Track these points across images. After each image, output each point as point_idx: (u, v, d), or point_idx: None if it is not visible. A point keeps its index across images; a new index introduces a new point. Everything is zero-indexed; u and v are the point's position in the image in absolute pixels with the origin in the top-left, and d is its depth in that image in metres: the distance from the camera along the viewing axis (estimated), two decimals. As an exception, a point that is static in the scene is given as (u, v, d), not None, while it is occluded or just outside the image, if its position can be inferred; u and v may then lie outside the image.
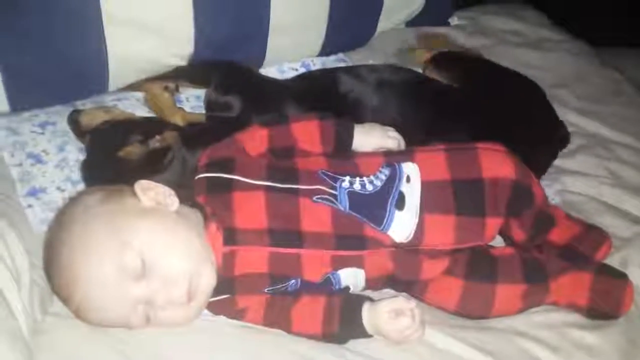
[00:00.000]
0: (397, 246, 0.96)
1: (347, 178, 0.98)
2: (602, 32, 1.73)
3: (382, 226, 0.96)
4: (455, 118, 1.19)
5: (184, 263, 0.89)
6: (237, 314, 0.94)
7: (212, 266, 0.92)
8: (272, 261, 0.93)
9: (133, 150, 1.07)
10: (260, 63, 1.38)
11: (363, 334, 0.92)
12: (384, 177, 0.99)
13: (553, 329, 0.97)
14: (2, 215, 0.95)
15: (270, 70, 1.39)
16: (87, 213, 0.90)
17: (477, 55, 1.47)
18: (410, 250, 0.96)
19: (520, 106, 1.26)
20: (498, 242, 1.05)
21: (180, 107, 1.25)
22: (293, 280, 0.94)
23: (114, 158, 1.06)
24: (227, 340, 0.92)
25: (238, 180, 0.96)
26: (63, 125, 1.17)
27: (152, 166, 1.05)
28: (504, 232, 1.03)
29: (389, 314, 0.91)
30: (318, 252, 0.94)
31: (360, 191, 0.97)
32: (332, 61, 1.45)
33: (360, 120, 1.10)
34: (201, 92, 1.29)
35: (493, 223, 0.98)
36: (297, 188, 0.96)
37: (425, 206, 0.97)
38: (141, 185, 0.94)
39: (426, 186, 0.99)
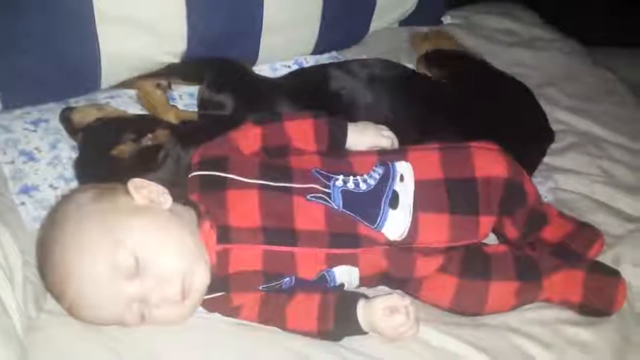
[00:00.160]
0: (391, 244, 0.96)
1: (341, 177, 0.98)
2: (594, 31, 1.74)
3: (376, 224, 0.96)
4: (448, 116, 1.19)
5: (177, 261, 0.89)
6: (232, 312, 0.94)
7: (205, 264, 0.92)
8: (266, 259, 0.93)
9: (125, 148, 1.06)
10: (253, 61, 1.37)
11: (358, 331, 0.93)
12: (377, 176, 0.99)
13: (546, 326, 0.98)
14: (-5, 213, 0.95)
15: (263, 68, 1.39)
16: (80, 211, 0.90)
17: (472, 55, 1.47)
18: (404, 249, 0.96)
19: (511, 105, 1.26)
20: (491, 239, 1.06)
21: (173, 105, 1.25)
22: (287, 278, 0.94)
23: (107, 156, 1.06)
24: (222, 338, 0.92)
25: (232, 179, 0.96)
26: (55, 122, 1.17)
27: (145, 164, 1.05)
28: (497, 230, 1.03)
29: (383, 311, 0.91)
30: (312, 250, 0.94)
31: (353, 190, 0.98)
32: (325, 59, 1.45)
33: (353, 118, 1.10)
34: (194, 90, 1.28)
35: (486, 221, 0.99)
36: (291, 186, 0.96)
37: (419, 205, 0.97)
38: (134, 183, 0.94)
39: (420, 185, 0.99)
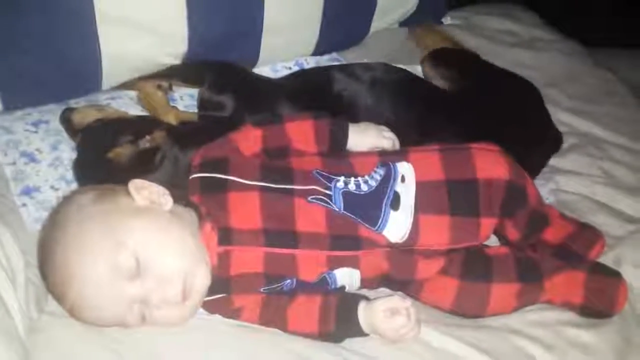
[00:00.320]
0: (392, 246, 0.96)
1: (342, 178, 0.98)
2: (595, 32, 1.74)
3: (377, 226, 0.96)
4: (449, 118, 1.19)
5: (178, 262, 0.89)
6: (233, 313, 0.94)
7: (206, 266, 0.92)
8: (267, 261, 0.93)
9: (122, 151, 1.06)
10: (254, 62, 1.37)
11: (359, 332, 0.93)
12: (378, 177, 0.99)
13: (548, 328, 0.98)
14: (-3, 214, 0.95)
15: (264, 69, 1.39)
16: (81, 212, 0.90)
17: (474, 54, 1.47)
18: (406, 251, 0.96)
19: (515, 106, 1.26)
20: (492, 241, 1.05)
21: (173, 106, 1.25)
22: (288, 280, 0.94)
23: (105, 158, 1.06)
24: (223, 339, 0.92)
25: (233, 181, 0.96)
26: (56, 123, 1.17)
27: (142, 166, 1.04)
28: (498, 232, 1.03)
29: (384, 312, 0.91)
30: (313, 253, 0.94)
31: (354, 191, 0.97)
32: (325, 60, 1.45)
33: (354, 120, 1.10)
34: (194, 91, 1.28)
35: (487, 223, 0.99)
36: (292, 188, 0.96)
37: (420, 206, 0.97)
38: (135, 184, 0.94)
39: (421, 186, 0.99)
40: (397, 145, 1.08)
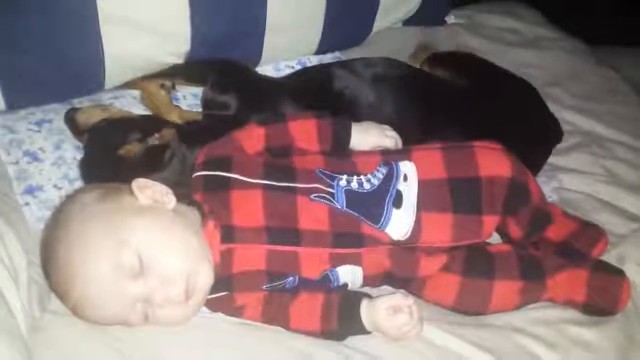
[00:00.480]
0: (394, 244, 0.96)
1: (345, 177, 0.98)
2: (597, 30, 1.73)
3: (380, 224, 0.96)
4: (452, 115, 1.19)
5: (181, 261, 0.89)
6: (236, 311, 0.94)
7: (209, 264, 0.92)
8: (270, 259, 0.93)
9: (132, 148, 1.06)
10: (256, 61, 1.37)
11: (362, 330, 0.93)
12: (381, 176, 0.99)
13: (551, 326, 0.98)
14: (1, 213, 0.95)
15: (267, 68, 1.39)
16: (84, 211, 0.90)
17: (473, 55, 1.47)
18: (408, 248, 0.96)
19: (516, 104, 1.26)
20: (495, 239, 1.05)
21: (176, 105, 1.25)
22: (291, 278, 0.94)
23: (113, 156, 1.06)
24: (225, 338, 0.92)
25: (236, 179, 0.96)
26: (59, 123, 1.17)
27: (151, 164, 1.05)
28: (500, 230, 1.03)
29: (387, 310, 0.91)
30: (316, 250, 0.94)
31: (357, 190, 0.97)
32: (328, 59, 1.45)
33: (356, 117, 1.10)
34: (198, 90, 1.28)
35: (490, 221, 0.99)
36: (295, 186, 0.96)
37: (423, 204, 0.97)
38: (138, 183, 0.94)
39: (423, 184, 0.99)
40: (400, 144, 1.08)
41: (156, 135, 1.08)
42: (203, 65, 1.28)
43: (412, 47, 1.52)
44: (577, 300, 0.99)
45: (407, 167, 1.00)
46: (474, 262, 0.97)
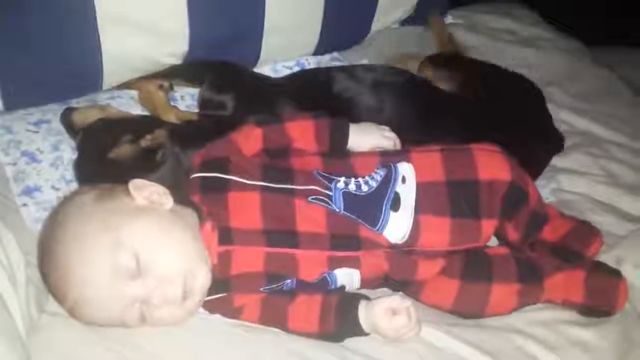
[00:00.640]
0: (392, 247, 0.96)
1: (342, 178, 0.98)
2: (594, 31, 1.74)
3: (377, 227, 0.96)
4: (450, 119, 1.19)
5: (178, 262, 0.89)
6: (234, 313, 0.94)
7: (207, 266, 0.92)
8: (267, 261, 0.93)
9: (123, 150, 1.06)
10: (254, 62, 1.37)
11: (360, 332, 0.92)
12: (379, 178, 0.99)
13: (549, 327, 0.98)
14: (-3, 214, 0.95)
15: (265, 69, 1.39)
16: (81, 212, 0.90)
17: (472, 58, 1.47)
18: (406, 251, 0.96)
19: (517, 107, 1.26)
20: (492, 241, 1.05)
21: (174, 106, 1.25)
22: (289, 280, 0.94)
23: (105, 158, 1.06)
24: (225, 340, 0.91)
25: (233, 181, 0.96)
26: (57, 123, 1.17)
27: (143, 166, 1.04)
28: (498, 233, 1.03)
29: (385, 312, 0.91)
30: (313, 253, 0.94)
31: (355, 192, 0.97)
32: (326, 60, 1.45)
33: (355, 120, 1.10)
34: (196, 91, 1.28)
35: (488, 224, 0.99)
36: (292, 188, 0.96)
37: (421, 207, 0.97)
38: (135, 184, 0.94)
39: (421, 187, 0.99)
40: (398, 145, 1.08)
41: (148, 136, 1.07)
42: (200, 66, 1.28)
43: (410, 48, 1.52)
44: (574, 301, 0.99)
45: (405, 169, 1.00)
46: (472, 265, 0.96)
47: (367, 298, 0.94)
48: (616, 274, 1.01)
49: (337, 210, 0.95)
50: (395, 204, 0.97)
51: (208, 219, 0.94)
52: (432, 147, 1.03)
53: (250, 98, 1.21)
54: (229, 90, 1.20)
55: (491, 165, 1.00)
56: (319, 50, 1.45)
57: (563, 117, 1.39)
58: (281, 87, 1.26)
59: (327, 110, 1.08)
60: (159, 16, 1.22)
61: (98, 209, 0.90)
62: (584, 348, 0.96)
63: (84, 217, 0.89)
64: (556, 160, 1.29)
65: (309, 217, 0.95)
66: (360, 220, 0.96)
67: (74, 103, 1.22)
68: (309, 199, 0.95)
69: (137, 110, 1.24)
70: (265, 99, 1.21)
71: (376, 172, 1.00)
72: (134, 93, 1.27)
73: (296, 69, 1.41)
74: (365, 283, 0.98)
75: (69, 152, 1.14)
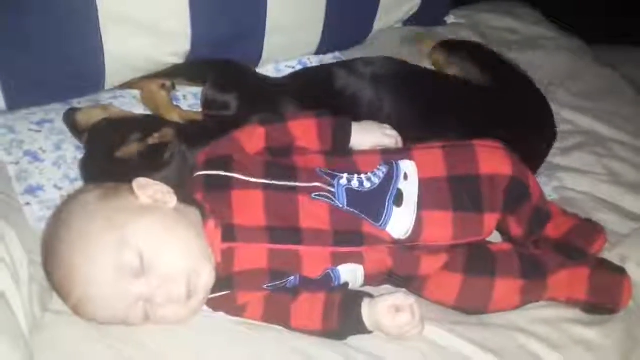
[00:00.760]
0: (395, 242, 0.96)
1: (345, 175, 0.99)
2: (596, 30, 1.73)
3: (380, 222, 0.96)
4: (451, 115, 1.19)
5: (182, 261, 0.89)
6: (237, 311, 0.94)
7: (210, 264, 0.92)
8: (271, 258, 0.93)
9: (131, 149, 1.06)
10: (256, 61, 1.38)
11: (363, 330, 0.92)
12: (381, 175, 0.99)
13: (553, 325, 0.98)
14: (1, 213, 0.95)
15: (268, 68, 1.39)
16: (85, 210, 0.90)
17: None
18: (409, 247, 0.96)
19: (518, 101, 1.26)
20: (495, 237, 1.05)
21: (176, 105, 1.25)
22: (292, 277, 0.94)
23: (113, 157, 1.06)
24: (228, 338, 0.91)
25: (236, 179, 0.96)
26: (60, 123, 1.17)
27: (151, 164, 1.05)
28: (501, 228, 1.03)
29: (388, 309, 0.91)
30: (317, 249, 0.94)
31: (358, 188, 0.98)
32: (329, 59, 1.45)
33: (357, 117, 1.10)
34: (198, 90, 1.29)
35: (491, 219, 0.99)
36: (295, 185, 0.97)
37: (423, 203, 0.97)
38: (139, 182, 0.94)
39: (424, 183, 0.99)
40: (400, 143, 1.08)
41: (155, 135, 1.07)
42: (203, 65, 1.28)
43: (412, 47, 1.52)
44: (578, 299, 0.99)
45: (407, 166, 1.01)
46: (475, 260, 0.97)
47: (370, 296, 0.94)
48: (620, 271, 1.01)
49: (341, 206, 0.96)
50: (398, 200, 0.97)
51: (211, 216, 0.94)
52: (434, 144, 1.04)
53: (253, 97, 1.21)
54: (232, 89, 1.20)
55: (492, 160, 1.00)
56: (321, 50, 1.45)
57: (566, 116, 1.39)
58: (283, 86, 1.26)
59: (329, 108, 1.08)
60: (161, 16, 1.22)
61: (102, 207, 0.90)
62: (588, 346, 0.96)
63: (88, 216, 0.89)
64: (558, 159, 1.29)
65: (312, 214, 0.95)
66: (363, 216, 0.96)
67: (76, 103, 1.22)
68: (312, 195, 0.96)
69: (139, 109, 1.24)
70: (268, 98, 1.22)
71: (378, 169, 1.00)
72: (136, 93, 1.28)
73: (299, 68, 1.41)
74: (368, 279, 0.98)
75: (71, 151, 1.14)
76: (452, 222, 0.97)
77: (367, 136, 1.07)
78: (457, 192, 0.98)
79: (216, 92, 1.21)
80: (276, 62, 1.41)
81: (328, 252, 0.94)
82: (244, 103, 1.19)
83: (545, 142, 1.27)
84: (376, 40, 1.53)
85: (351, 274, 0.96)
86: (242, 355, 0.90)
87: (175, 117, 1.21)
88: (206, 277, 0.91)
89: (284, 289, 0.94)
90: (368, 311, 0.92)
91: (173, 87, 1.28)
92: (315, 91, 1.24)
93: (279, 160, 1.01)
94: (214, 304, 0.94)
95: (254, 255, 0.93)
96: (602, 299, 0.99)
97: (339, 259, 0.95)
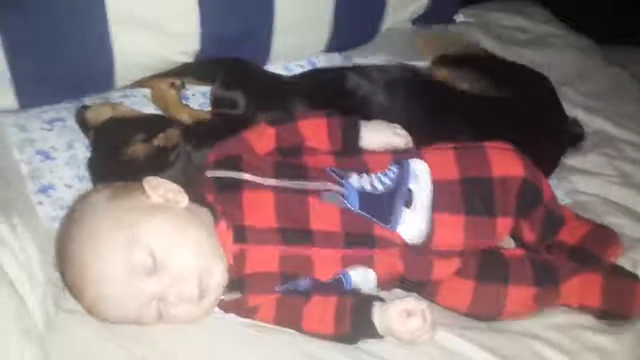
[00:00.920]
0: (407, 245, 0.96)
1: (355, 175, 0.98)
2: (605, 30, 1.73)
3: (391, 224, 0.96)
4: (461, 118, 1.18)
5: (194, 260, 0.90)
6: (248, 313, 0.94)
7: (222, 264, 0.92)
8: (282, 260, 0.93)
9: (136, 149, 1.06)
10: (265, 60, 1.37)
11: (374, 334, 0.92)
12: (392, 175, 0.99)
13: (565, 331, 0.97)
14: (14, 212, 0.95)
15: (276, 67, 1.39)
16: (97, 210, 0.90)
17: (484, 52, 1.46)
18: (421, 251, 0.96)
19: (528, 104, 1.25)
20: (508, 244, 1.05)
21: (186, 104, 1.25)
22: (304, 280, 0.94)
23: (118, 156, 1.06)
24: (239, 340, 0.92)
25: (247, 180, 0.96)
26: (72, 121, 1.17)
27: (155, 165, 1.04)
28: (514, 234, 1.03)
29: (400, 314, 0.91)
30: (328, 251, 0.94)
31: (369, 189, 0.97)
32: (337, 58, 1.44)
33: (367, 119, 1.10)
34: (207, 89, 1.28)
35: (503, 223, 0.99)
36: (306, 186, 0.96)
37: (435, 205, 0.97)
38: (149, 182, 0.94)
39: (435, 185, 0.99)
40: (411, 143, 1.08)
41: (160, 136, 1.07)
42: (212, 64, 1.28)
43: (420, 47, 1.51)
44: (591, 305, 0.99)
45: (418, 167, 1.00)
46: (488, 267, 0.96)
47: (381, 300, 0.94)
48: (633, 277, 1.01)
49: (352, 208, 0.95)
50: (409, 202, 0.97)
51: (222, 217, 0.94)
52: (445, 145, 1.03)
53: (262, 96, 1.20)
54: (240, 88, 1.20)
55: (504, 162, 1.00)
56: (329, 48, 1.44)
57: (576, 116, 1.38)
58: (293, 85, 1.26)
59: (338, 108, 1.08)
60: (171, 15, 1.22)
61: (113, 206, 0.91)
62: (601, 353, 0.95)
63: (99, 215, 0.89)
64: (570, 161, 1.28)
65: (323, 216, 0.95)
66: (374, 218, 0.96)
67: (87, 101, 1.22)
68: (323, 196, 0.95)
69: (150, 108, 1.24)
70: (277, 97, 1.21)
71: (389, 169, 1.00)
72: (147, 91, 1.27)
73: (308, 67, 1.41)
74: (380, 284, 0.97)
75: (83, 150, 1.14)
76: (463, 226, 0.97)
77: (377, 135, 1.06)
78: (469, 195, 0.98)
79: (224, 91, 1.20)
80: (285, 61, 1.40)
81: (339, 255, 0.94)
82: (252, 101, 1.19)
83: (557, 145, 1.27)
84: (384, 39, 1.52)
85: (362, 278, 0.96)
86: (253, 357, 0.90)
87: (184, 115, 1.21)
88: (218, 276, 0.91)
89: (296, 292, 0.94)
90: (379, 315, 0.92)
91: (183, 85, 1.28)
92: (326, 91, 1.23)
93: (289, 161, 1.01)
94: (226, 306, 0.94)
95: (265, 257, 0.93)
96: (615, 306, 0.98)
97: (350, 262, 0.94)
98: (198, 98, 1.29)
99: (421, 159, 1.01)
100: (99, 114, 1.15)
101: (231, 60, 1.28)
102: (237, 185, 0.96)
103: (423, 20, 1.61)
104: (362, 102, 1.21)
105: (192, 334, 0.91)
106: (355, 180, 0.98)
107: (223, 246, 0.93)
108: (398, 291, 1.00)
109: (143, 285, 0.87)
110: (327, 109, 1.08)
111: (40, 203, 1.05)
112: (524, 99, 1.25)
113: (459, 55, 1.40)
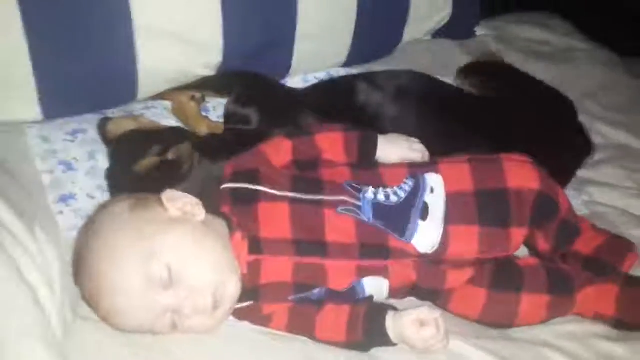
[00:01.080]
0: (421, 256, 0.96)
1: (371, 189, 0.99)
2: (627, 42, 1.71)
3: (406, 236, 0.96)
4: (477, 129, 1.18)
5: (210, 274, 0.90)
6: (262, 321, 0.94)
7: (237, 276, 0.92)
8: (296, 271, 0.93)
9: (148, 163, 1.06)
10: (286, 71, 1.38)
11: (387, 342, 0.92)
12: (408, 188, 0.99)
13: (579, 341, 0.97)
14: (36, 221, 0.96)
15: (296, 80, 1.40)
16: (115, 221, 0.91)
17: (507, 65, 1.46)
18: (434, 261, 0.96)
19: (545, 117, 1.25)
20: (523, 252, 1.04)
21: (205, 117, 1.26)
22: (317, 289, 0.94)
23: (133, 168, 1.06)
24: (253, 348, 0.92)
25: (263, 192, 0.97)
26: (93, 133, 1.19)
27: (167, 179, 1.04)
28: (528, 243, 1.03)
29: (413, 323, 0.91)
30: (343, 263, 0.94)
31: (384, 202, 0.98)
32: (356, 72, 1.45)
33: (380, 131, 1.09)
34: (227, 102, 1.30)
35: (518, 233, 0.98)
36: (322, 199, 0.97)
37: (450, 217, 0.97)
38: (167, 195, 0.95)
39: (450, 197, 0.99)
40: (427, 157, 1.08)
41: (172, 149, 1.07)
42: (231, 78, 1.29)
43: (441, 61, 1.51)
44: (606, 315, 0.98)
45: (434, 180, 1.00)
46: (502, 275, 0.96)
47: (394, 308, 0.94)
48: (649, 287, 1.00)
49: (367, 220, 0.96)
50: (424, 214, 0.97)
51: (238, 229, 0.95)
52: (461, 158, 1.03)
53: (273, 112, 1.20)
54: (254, 104, 1.20)
55: (520, 174, 1.00)
56: (349, 61, 1.45)
57: (597, 129, 1.39)
58: (305, 99, 1.25)
59: (351, 121, 1.08)
60: (194, 27, 1.24)
61: (132, 218, 0.91)
62: (616, 363, 0.95)
63: (118, 226, 0.90)
64: (588, 173, 1.28)
65: (339, 228, 0.95)
66: (389, 230, 0.96)
67: (109, 113, 1.24)
68: (339, 209, 0.96)
69: (171, 121, 1.26)
70: (288, 113, 1.20)
71: (405, 183, 1.00)
72: (168, 104, 1.29)
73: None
74: (393, 292, 0.98)
75: (103, 161, 1.15)
76: (478, 237, 0.97)
77: (394, 149, 1.07)
78: (484, 207, 0.98)
79: (237, 107, 1.21)
80: (305, 73, 1.42)
81: (353, 266, 0.94)
82: (264, 117, 1.19)
83: (574, 156, 1.26)
84: (405, 53, 1.53)
85: (376, 287, 0.96)
86: (267, 365, 0.91)
87: (204, 128, 1.22)
88: (232, 288, 0.91)
89: (309, 300, 0.94)
90: (393, 324, 0.92)
91: (203, 99, 1.29)
92: (337, 104, 1.23)
93: (306, 174, 1.01)
94: (240, 314, 0.95)
95: (279, 268, 0.93)
96: (631, 316, 0.97)
97: (364, 272, 0.95)
98: (218, 110, 1.31)
99: (437, 171, 1.01)
100: (120, 126, 1.16)
101: (250, 74, 1.29)
102: (253, 197, 0.97)
103: (444, 33, 1.61)
104: (373, 114, 1.21)
105: (206, 342, 0.91)
106: (370, 193, 0.98)
107: (238, 257, 0.93)
108: (411, 300, 1.00)
109: (158, 297, 0.87)
110: (338, 121, 1.08)
111: (61, 212, 1.06)
112: (539, 111, 1.25)
113: (479, 67, 1.40)
